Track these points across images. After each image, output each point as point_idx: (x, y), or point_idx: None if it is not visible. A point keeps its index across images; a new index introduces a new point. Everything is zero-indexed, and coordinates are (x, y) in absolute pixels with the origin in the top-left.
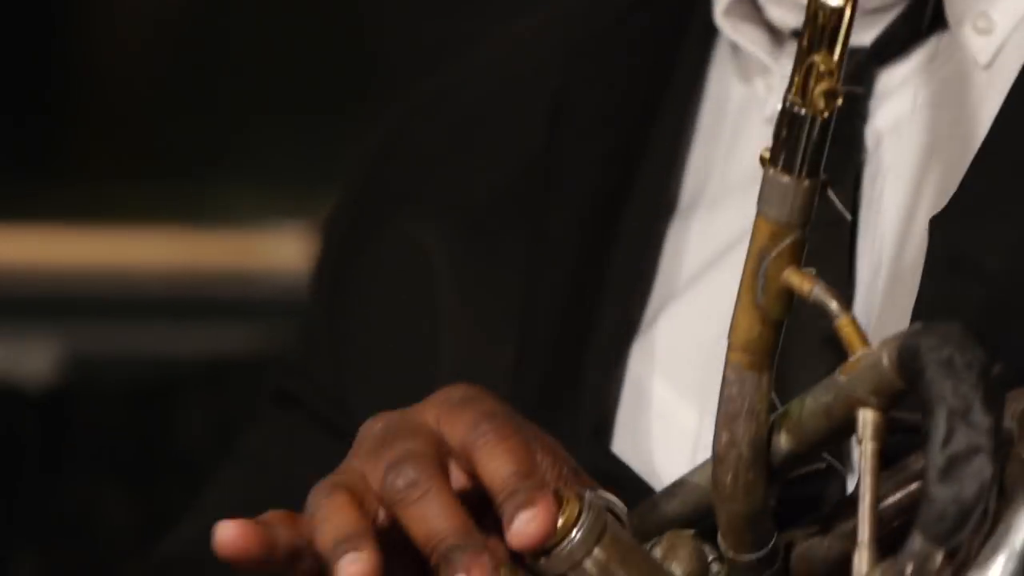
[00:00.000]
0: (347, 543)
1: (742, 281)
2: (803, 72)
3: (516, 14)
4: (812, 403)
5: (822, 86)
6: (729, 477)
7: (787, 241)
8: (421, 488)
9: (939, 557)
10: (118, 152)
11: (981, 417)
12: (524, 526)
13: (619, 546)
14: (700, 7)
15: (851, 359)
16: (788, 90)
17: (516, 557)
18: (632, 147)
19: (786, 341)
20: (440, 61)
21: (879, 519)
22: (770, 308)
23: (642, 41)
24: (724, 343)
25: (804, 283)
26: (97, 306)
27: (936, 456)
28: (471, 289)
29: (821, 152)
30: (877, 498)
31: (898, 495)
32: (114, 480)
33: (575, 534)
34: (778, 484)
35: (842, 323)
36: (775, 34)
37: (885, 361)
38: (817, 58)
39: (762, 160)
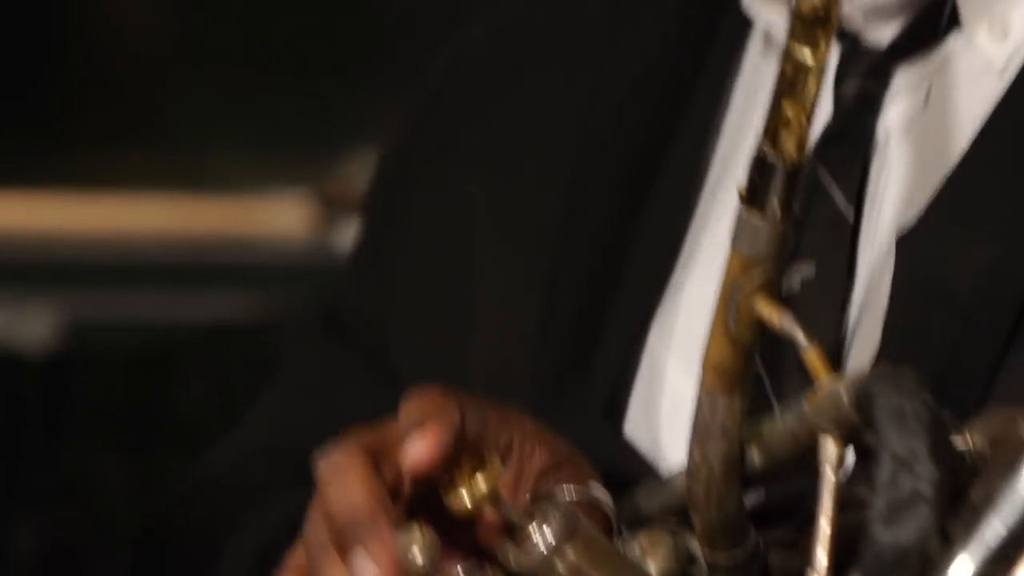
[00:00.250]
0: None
1: (716, 308)
2: (773, 121)
3: None
4: (780, 426)
5: (793, 136)
6: (702, 490)
7: (758, 274)
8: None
9: None
10: (117, 119)
11: (927, 467)
12: (415, 444)
13: (591, 546)
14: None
15: (815, 389)
16: (762, 137)
17: (488, 559)
18: (666, 123)
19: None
20: (443, 26)
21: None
22: (741, 336)
23: (682, 23)
24: None
25: (773, 315)
26: (97, 273)
27: (879, 500)
28: (504, 252)
29: (792, 195)
30: (835, 528)
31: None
32: (114, 446)
33: (545, 534)
34: (759, 487)
35: (809, 355)
36: None
37: (844, 398)
38: (788, 110)
39: (740, 196)
